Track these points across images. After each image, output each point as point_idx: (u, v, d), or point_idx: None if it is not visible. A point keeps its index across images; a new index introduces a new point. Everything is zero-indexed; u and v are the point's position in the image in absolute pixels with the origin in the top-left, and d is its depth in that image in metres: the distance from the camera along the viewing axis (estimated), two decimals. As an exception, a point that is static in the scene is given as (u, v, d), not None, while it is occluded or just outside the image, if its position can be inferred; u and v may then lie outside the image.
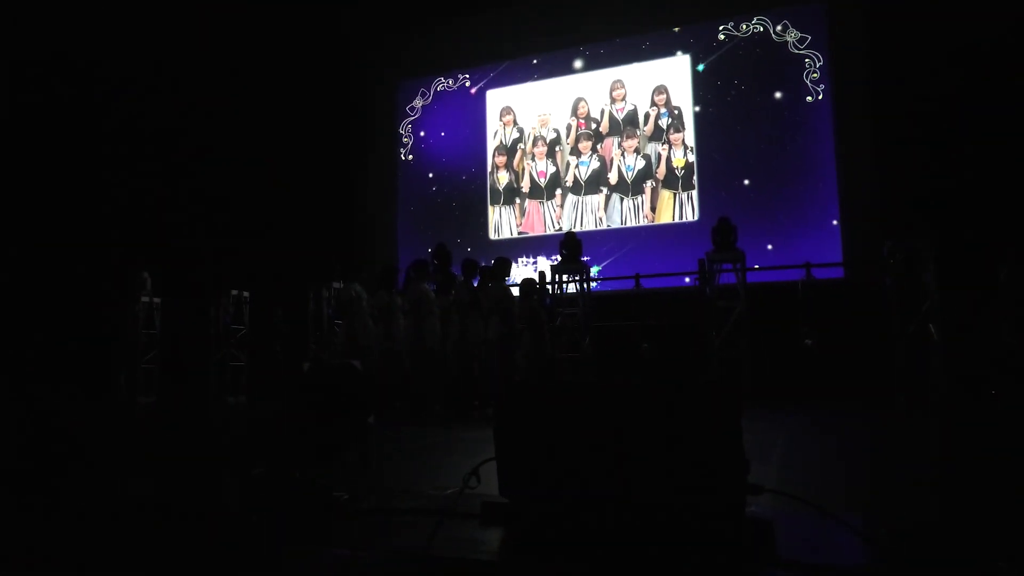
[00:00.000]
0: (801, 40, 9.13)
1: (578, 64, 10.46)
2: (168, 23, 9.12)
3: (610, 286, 9.50)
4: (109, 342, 8.69)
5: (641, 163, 9.79)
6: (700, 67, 9.65)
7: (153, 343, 9.14)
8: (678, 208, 9.53)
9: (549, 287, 8.42)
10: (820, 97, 8.95)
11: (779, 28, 9.26)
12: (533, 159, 10.51)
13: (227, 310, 9.47)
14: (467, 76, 11.24)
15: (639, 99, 9.96)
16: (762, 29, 9.36)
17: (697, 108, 9.61)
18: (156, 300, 9.20)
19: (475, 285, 7.11)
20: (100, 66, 8.62)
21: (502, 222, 10.63)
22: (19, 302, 7.71)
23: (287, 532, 1.57)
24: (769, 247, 8.86)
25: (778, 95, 9.16)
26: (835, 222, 8.69)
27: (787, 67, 9.16)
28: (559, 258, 8.49)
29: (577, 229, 9.64)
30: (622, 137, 9.96)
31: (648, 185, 9.71)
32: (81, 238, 8.32)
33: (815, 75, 9.00)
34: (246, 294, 9.59)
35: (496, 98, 10.96)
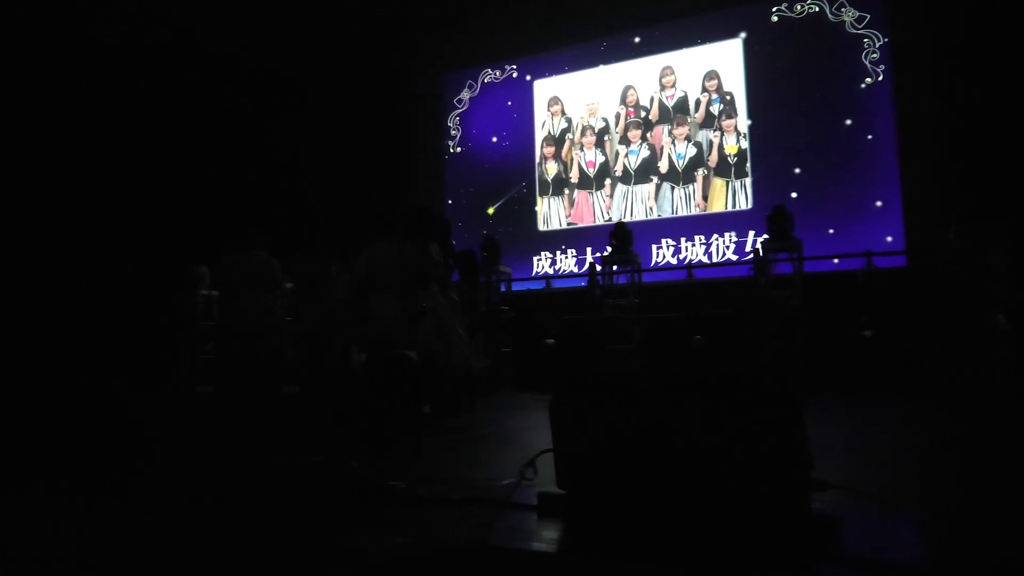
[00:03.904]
0: (859, 19, 8.80)
1: (626, 51, 10.31)
2: (227, 24, 9.35)
3: (662, 276, 9.37)
4: (171, 334, 9.01)
5: (692, 151, 9.61)
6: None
7: (211, 334, 9.41)
8: (731, 196, 9.32)
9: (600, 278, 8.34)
10: (880, 79, 8.62)
11: (835, 7, 8.95)
12: (582, 149, 10.43)
13: (282, 301, 9.66)
14: (514, 67, 11.20)
15: (689, 85, 9.76)
16: (817, 9, 9.06)
17: (750, 93, 9.37)
18: (214, 293, 9.48)
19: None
20: (178, 65, 8.92)
21: (551, 213, 10.58)
22: (88, 296, 8.06)
23: (346, 521, 1.59)
24: (829, 233, 8.59)
25: (835, 78, 8.86)
26: (897, 209, 8.38)
27: (844, 48, 8.84)
28: (609, 248, 8.40)
29: (627, 219, 9.53)
30: (672, 125, 9.79)
31: (700, 173, 9.53)
32: (145, 234, 8.63)
33: (875, 55, 8.67)
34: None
35: (543, 88, 10.90)
